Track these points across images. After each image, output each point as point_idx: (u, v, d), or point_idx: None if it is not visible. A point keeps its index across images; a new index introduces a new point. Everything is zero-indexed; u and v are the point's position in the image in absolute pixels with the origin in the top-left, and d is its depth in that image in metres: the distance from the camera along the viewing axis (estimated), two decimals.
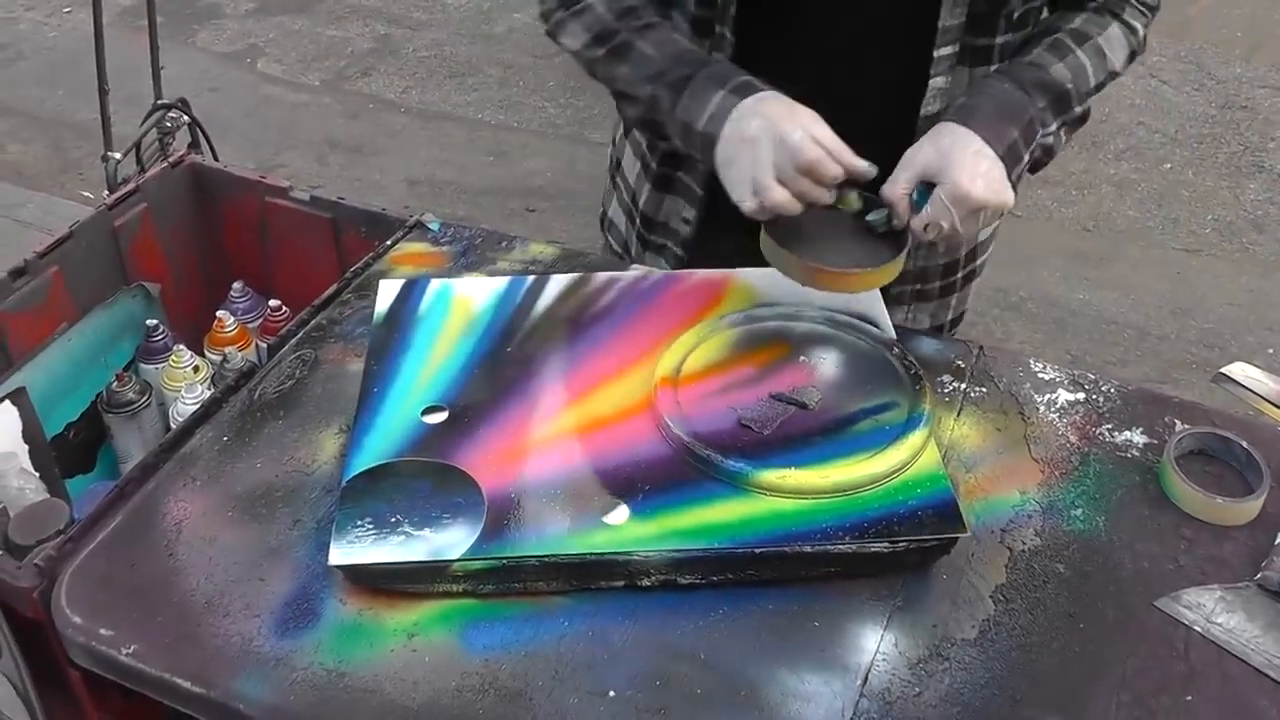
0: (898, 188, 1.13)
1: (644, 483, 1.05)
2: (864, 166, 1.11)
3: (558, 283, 1.30)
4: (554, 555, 0.99)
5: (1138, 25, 1.26)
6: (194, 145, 2.78)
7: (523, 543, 1.00)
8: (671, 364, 1.15)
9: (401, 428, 1.12)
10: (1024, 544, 1.05)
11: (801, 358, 1.17)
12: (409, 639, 0.97)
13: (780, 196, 1.09)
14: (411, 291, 1.30)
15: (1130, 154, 3.62)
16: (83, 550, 1.05)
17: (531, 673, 0.94)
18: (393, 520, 1.02)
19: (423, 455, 1.09)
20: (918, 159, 1.13)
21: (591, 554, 0.99)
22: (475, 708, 0.91)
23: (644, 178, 1.40)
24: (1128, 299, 3.08)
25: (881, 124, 1.19)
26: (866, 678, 0.93)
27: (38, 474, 1.39)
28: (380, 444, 1.10)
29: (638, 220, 1.44)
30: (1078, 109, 1.22)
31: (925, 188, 1.13)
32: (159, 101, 2.76)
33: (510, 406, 1.14)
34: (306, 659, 0.95)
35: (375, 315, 1.27)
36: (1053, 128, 1.19)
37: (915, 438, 1.06)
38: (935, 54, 1.20)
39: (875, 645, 0.96)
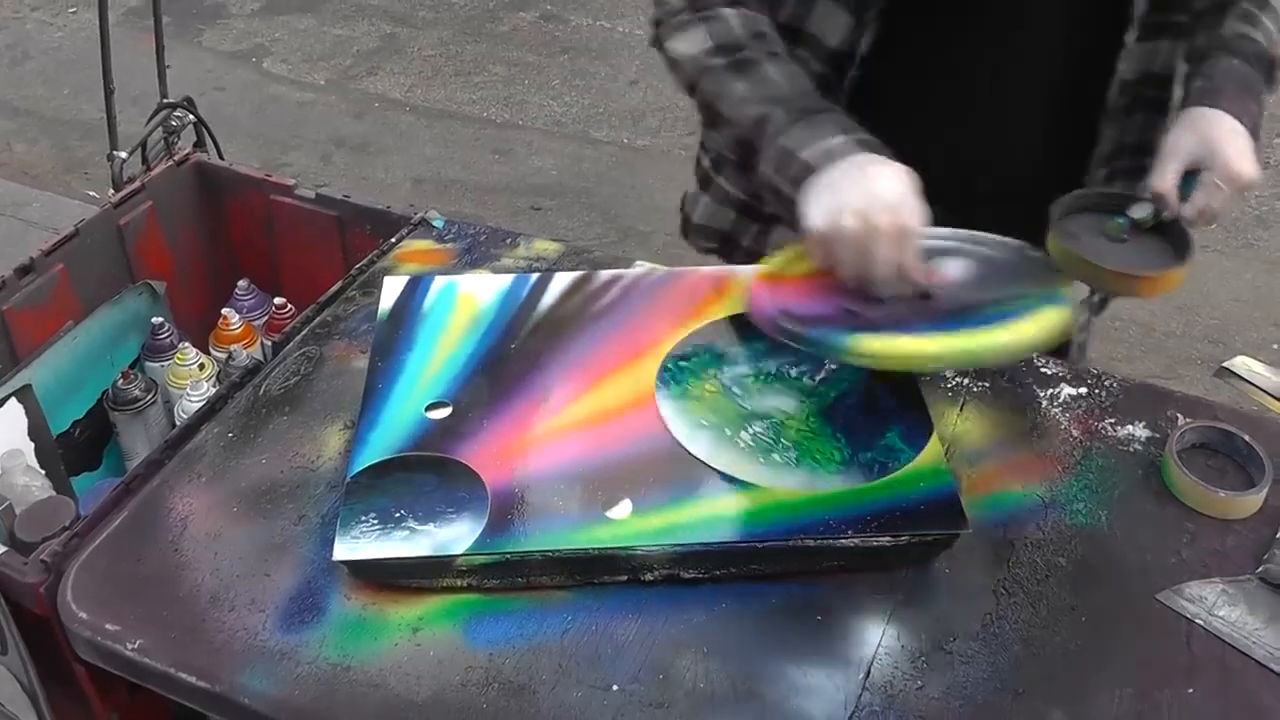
0: (1167, 179, 1.11)
1: (647, 477, 1.05)
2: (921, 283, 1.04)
3: (561, 280, 1.30)
4: (557, 550, 0.99)
5: None
6: (199, 144, 2.79)
7: (526, 537, 1.00)
8: (774, 265, 1.16)
9: (405, 424, 1.12)
10: (1026, 538, 1.05)
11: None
12: (413, 633, 0.97)
13: (855, 227, 1.00)
14: (416, 288, 1.30)
15: None
16: (88, 546, 1.06)
17: (535, 667, 0.94)
18: (397, 515, 1.02)
19: (426, 451, 1.09)
20: (1181, 147, 1.11)
21: (595, 549, 0.99)
22: (479, 701, 0.92)
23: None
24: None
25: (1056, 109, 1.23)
26: (869, 671, 0.94)
27: (44, 471, 1.40)
28: (384, 440, 1.10)
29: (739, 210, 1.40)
30: (1278, 73, 1.20)
31: (1188, 175, 1.12)
32: (164, 100, 2.77)
33: (514, 402, 1.14)
34: (311, 653, 0.95)
35: (379, 312, 1.27)
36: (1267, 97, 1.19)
37: (1050, 314, 1.04)
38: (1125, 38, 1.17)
39: (878, 639, 0.96)
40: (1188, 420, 1.16)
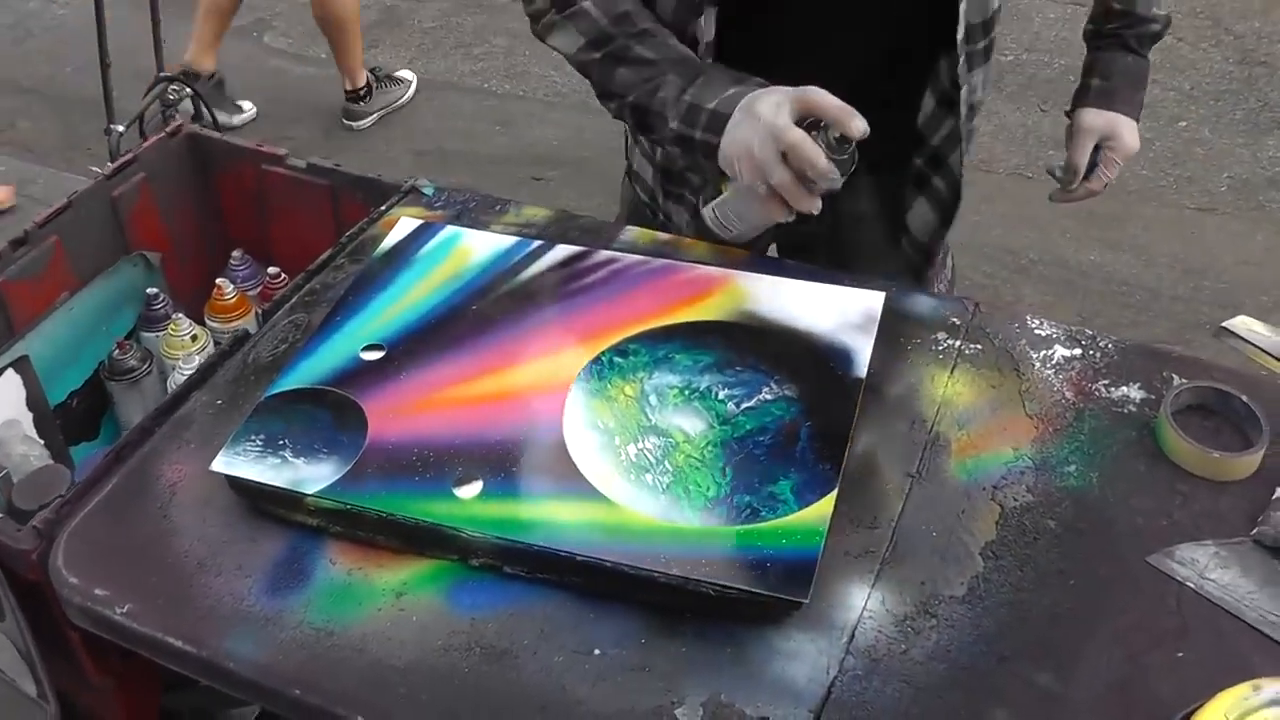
0: (1083, 155, 1.50)
1: (513, 464, 1.03)
2: (865, 125, 1.09)
3: (559, 252, 1.28)
4: (391, 514, 0.99)
5: None
6: (198, 117, 2.79)
7: (371, 495, 1.00)
8: None
9: (337, 358, 1.14)
10: (1016, 500, 1.04)
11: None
12: (397, 598, 0.97)
13: (798, 134, 1.08)
14: (422, 233, 1.32)
15: (1144, 113, 3.54)
16: (79, 512, 1.06)
17: (517, 632, 0.94)
18: (279, 443, 1.05)
19: (342, 388, 1.11)
20: (1093, 130, 1.49)
21: (425, 522, 0.98)
22: (461, 666, 0.92)
23: None
24: (1140, 260, 3.05)
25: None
26: (853, 635, 0.93)
27: (42, 441, 1.40)
28: (312, 369, 1.13)
29: (659, 171, 1.46)
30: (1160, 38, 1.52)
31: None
32: (161, 74, 2.77)
33: (441, 361, 1.14)
34: (296, 618, 0.96)
35: (379, 248, 1.29)
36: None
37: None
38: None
39: (863, 603, 0.96)
40: (1183, 381, 1.14)
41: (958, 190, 1.39)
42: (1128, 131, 1.49)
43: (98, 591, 0.99)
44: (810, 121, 1.10)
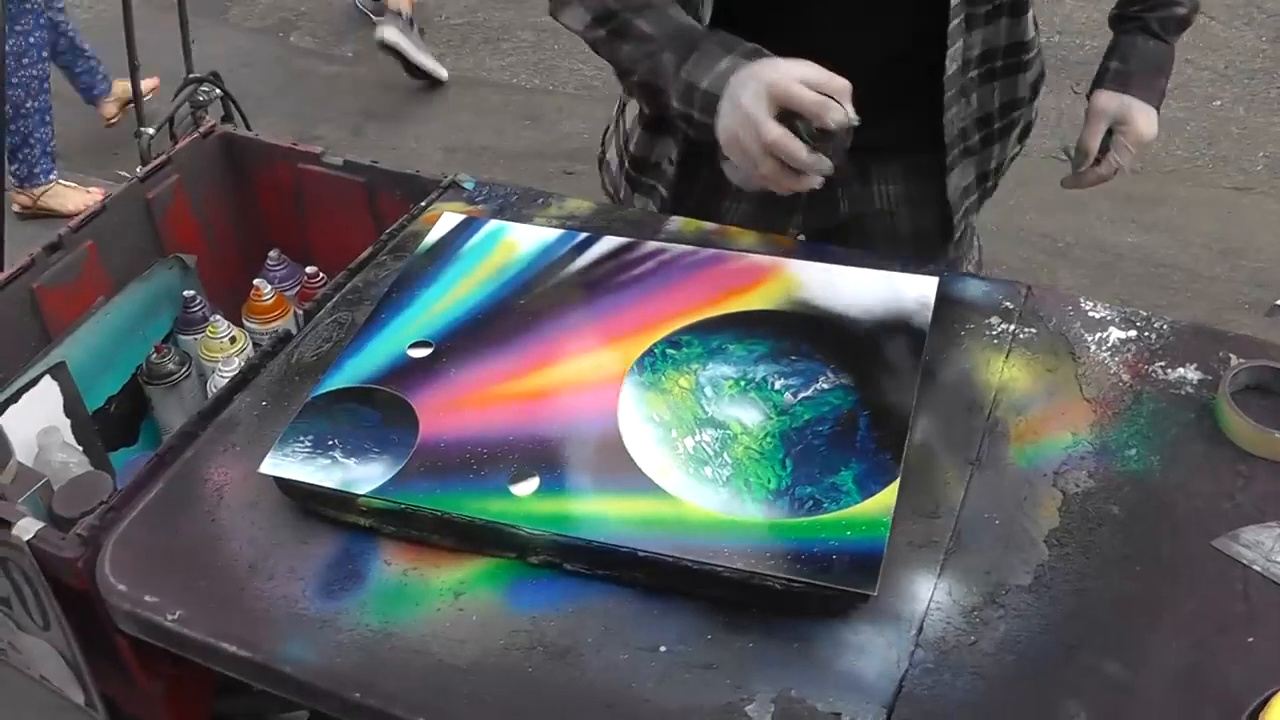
0: (1095, 139, 1.45)
1: (569, 459, 1.01)
2: (843, 115, 1.07)
3: (605, 244, 1.26)
4: (447, 513, 0.97)
5: None
6: (227, 118, 2.79)
7: (425, 494, 0.99)
8: None
9: (384, 356, 1.13)
10: (1077, 486, 1.02)
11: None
12: (455, 598, 0.96)
13: (777, 132, 1.07)
14: (466, 228, 1.30)
15: (1178, 93, 3.52)
16: (125, 518, 1.05)
17: (580, 629, 0.93)
18: (329, 443, 1.04)
19: (390, 387, 1.10)
20: (1105, 113, 1.44)
21: (480, 520, 0.97)
22: (524, 665, 0.90)
23: (638, 121, 1.43)
24: (1176, 240, 3.01)
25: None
26: (921, 627, 0.91)
27: (81, 447, 1.40)
28: (358, 368, 1.12)
29: (627, 162, 1.46)
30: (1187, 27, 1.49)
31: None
32: (190, 76, 2.77)
33: (491, 357, 1.13)
34: (352, 620, 0.95)
35: (421, 244, 1.28)
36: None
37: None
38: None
39: (929, 594, 0.94)
40: (1241, 361, 1.12)
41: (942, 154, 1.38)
42: (1142, 117, 1.44)
43: (147, 598, 0.98)
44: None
